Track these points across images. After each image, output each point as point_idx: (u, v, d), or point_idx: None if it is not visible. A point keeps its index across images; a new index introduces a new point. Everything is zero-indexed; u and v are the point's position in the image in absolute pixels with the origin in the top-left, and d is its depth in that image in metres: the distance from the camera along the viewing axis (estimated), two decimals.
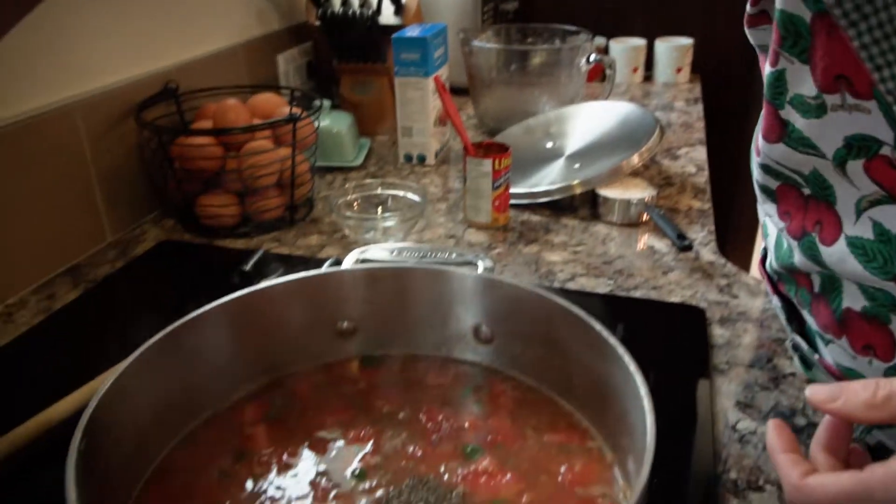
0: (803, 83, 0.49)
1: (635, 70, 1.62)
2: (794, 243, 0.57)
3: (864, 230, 0.50)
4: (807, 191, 0.55)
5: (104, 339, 0.73)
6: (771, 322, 0.74)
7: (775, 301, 0.68)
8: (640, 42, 1.61)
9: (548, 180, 1.01)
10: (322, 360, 0.57)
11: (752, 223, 1.74)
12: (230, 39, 1.18)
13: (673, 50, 1.58)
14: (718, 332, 0.72)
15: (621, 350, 0.43)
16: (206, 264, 0.89)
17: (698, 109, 1.46)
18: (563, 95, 1.26)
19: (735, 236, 1.88)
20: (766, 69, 0.53)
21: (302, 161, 0.96)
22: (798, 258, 0.57)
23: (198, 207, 0.93)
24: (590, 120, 1.12)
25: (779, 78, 0.51)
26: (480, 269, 0.55)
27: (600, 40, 1.64)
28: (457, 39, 1.35)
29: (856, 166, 0.49)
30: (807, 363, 0.64)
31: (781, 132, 0.52)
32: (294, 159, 0.93)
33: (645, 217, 0.95)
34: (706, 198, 1.03)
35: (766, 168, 0.56)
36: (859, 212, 0.51)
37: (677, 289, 0.80)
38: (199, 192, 0.93)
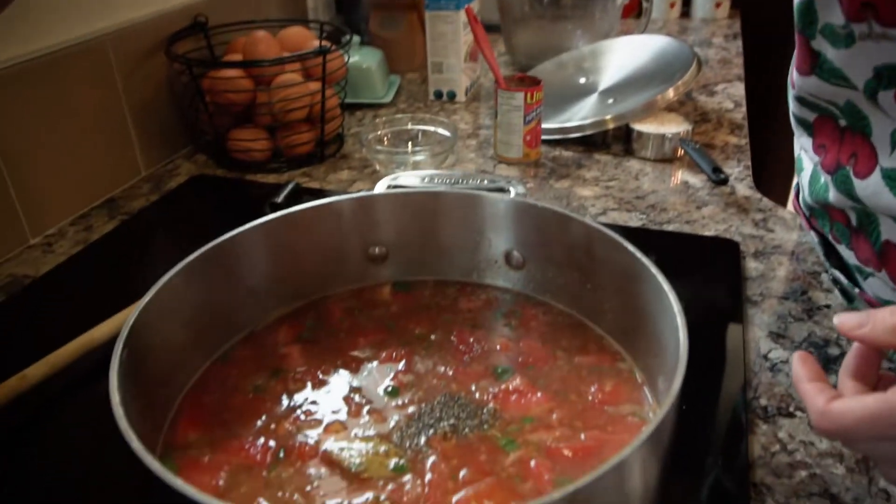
0: (832, 12, 0.48)
1: (672, 5, 1.57)
2: (829, 178, 0.56)
3: None
4: (843, 122, 0.53)
5: (140, 268, 0.75)
6: (807, 255, 0.73)
7: (812, 236, 0.67)
8: None
9: (580, 115, 0.99)
10: (354, 285, 0.58)
11: (790, 160, 1.69)
12: None
13: None
14: (752, 266, 0.71)
15: (654, 269, 0.43)
16: (238, 198, 0.90)
17: (737, 45, 1.41)
18: (597, 30, 1.23)
19: (772, 172, 1.83)
20: (796, 4, 0.51)
21: (332, 95, 0.96)
22: (832, 194, 0.56)
23: (229, 142, 0.93)
24: (624, 55, 1.10)
25: (808, 7, 0.50)
26: (512, 195, 0.55)
27: None
28: None
29: (887, 97, 0.47)
30: (848, 296, 0.64)
31: (813, 63, 0.51)
32: (324, 93, 0.92)
33: (679, 152, 0.93)
34: (743, 133, 1.01)
35: (801, 100, 0.55)
36: (895, 143, 0.49)
37: (711, 223, 0.79)
38: (231, 126, 0.94)
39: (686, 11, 1.61)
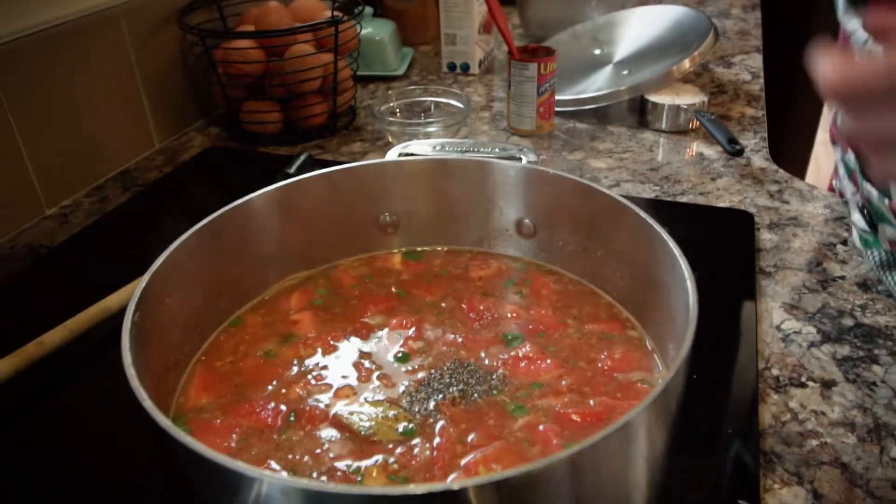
0: None
1: None
2: (877, 50, 0.55)
3: None
4: None
5: (154, 239, 0.75)
6: (822, 227, 0.72)
7: (850, 155, 0.65)
8: None
9: (594, 87, 0.98)
10: (365, 253, 0.58)
11: (809, 132, 1.67)
12: None
13: None
14: (767, 237, 0.71)
15: (665, 234, 0.43)
16: (251, 169, 0.90)
17: (756, 16, 1.39)
18: (612, 0, 1.21)
19: (791, 144, 1.81)
20: None
21: (344, 67, 0.95)
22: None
23: (242, 114, 0.93)
24: (640, 26, 1.08)
25: None
26: (524, 163, 0.54)
27: None
28: None
29: None
30: (877, 215, 0.63)
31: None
32: (336, 64, 0.92)
33: (695, 123, 0.92)
34: (760, 105, 0.99)
35: None
36: None
37: (725, 195, 0.78)
38: (243, 98, 0.93)
39: None
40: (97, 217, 0.79)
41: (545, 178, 0.51)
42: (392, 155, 0.56)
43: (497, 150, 0.56)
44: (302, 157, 0.82)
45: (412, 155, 0.56)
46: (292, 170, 0.79)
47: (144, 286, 0.41)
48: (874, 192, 0.60)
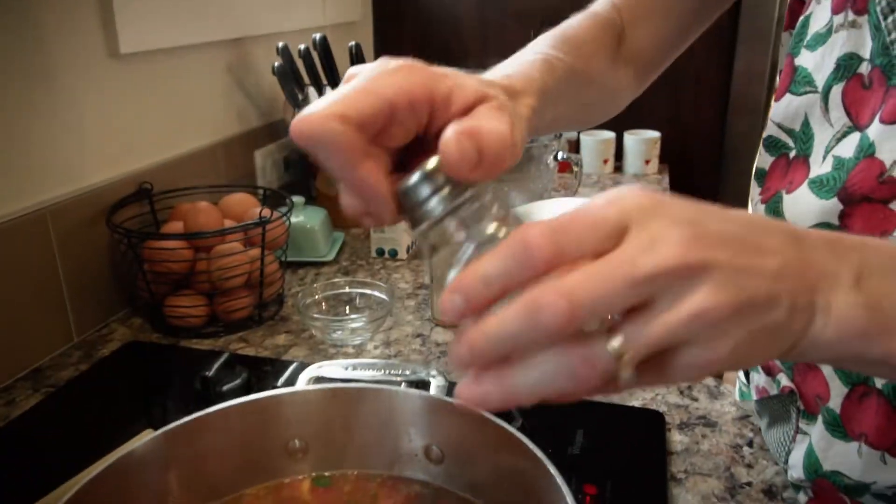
0: (820, 20, 0.57)
1: (606, 161, 1.67)
2: (762, 209, 0.63)
3: (826, 167, 0.56)
4: (792, 153, 0.61)
5: (65, 447, 0.72)
6: (730, 426, 0.74)
7: None
8: (609, 135, 1.66)
9: None
10: (273, 481, 0.57)
11: None
12: (210, 138, 1.22)
13: (641, 142, 1.64)
14: (678, 438, 0.73)
15: (560, 480, 0.44)
16: (172, 366, 0.89)
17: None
18: (532, 190, 1.30)
19: None
20: (796, 27, 0.61)
21: (272, 261, 0.98)
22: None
23: (166, 308, 0.94)
24: (555, 215, 1.15)
25: (804, 24, 0.59)
26: (433, 389, 0.56)
27: (571, 134, 1.69)
28: None
29: (836, 93, 0.55)
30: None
31: (790, 80, 0.60)
32: (263, 260, 0.94)
33: None
34: None
35: (767, 142, 0.64)
36: (826, 152, 0.57)
37: (638, 391, 0.81)
38: (169, 292, 0.94)
39: (619, 166, 1.71)
40: (2, 424, 0.76)
41: (448, 409, 0.53)
42: (303, 380, 0.57)
43: (408, 372, 0.58)
44: (223, 357, 0.82)
45: (324, 379, 0.57)
46: (211, 373, 0.79)
47: None
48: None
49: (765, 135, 0.64)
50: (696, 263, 0.29)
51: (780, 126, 0.62)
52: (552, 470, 0.45)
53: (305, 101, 1.30)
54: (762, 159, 0.65)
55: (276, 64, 1.23)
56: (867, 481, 0.55)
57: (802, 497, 0.64)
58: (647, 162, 1.65)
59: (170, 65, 1.11)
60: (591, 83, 0.64)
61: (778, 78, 0.64)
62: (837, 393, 0.57)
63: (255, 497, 0.55)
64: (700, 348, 0.30)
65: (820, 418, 0.59)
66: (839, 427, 0.57)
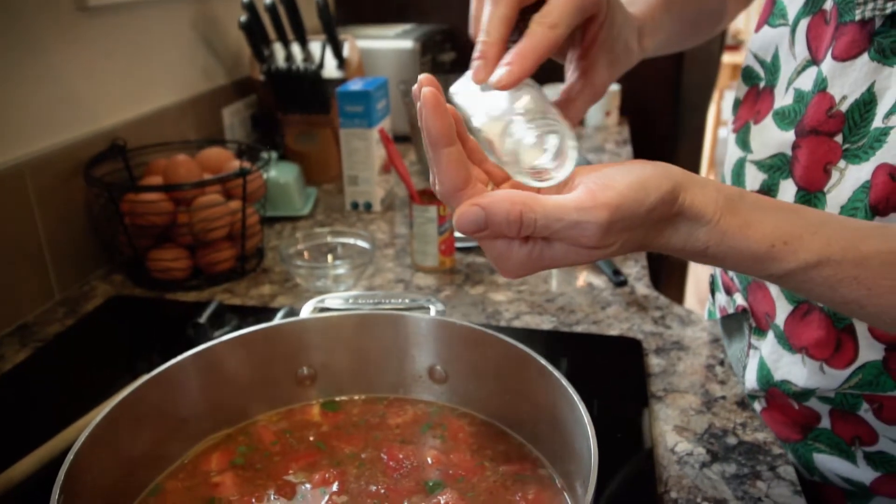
0: None
1: None
2: (733, 138, 0.68)
3: (787, 99, 0.61)
4: (762, 84, 0.66)
5: (58, 400, 0.73)
6: (702, 349, 0.80)
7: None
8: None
9: None
10: (284, 407, 0.59)
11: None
12: (177, 95, 1.21)
13: None
14: (655, 362, 0.78)
15: (565, 382, 0.47)
16: (158, 318, 0.90)
17: (628, 150, 1.54)
18: None
19: (668, 270, 1.97)
20: None
21: (252, 213, 0.99)
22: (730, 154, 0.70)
23: (149, 262, 0.94)
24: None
25: None
26: (433, 313, 0.59)
27: None
28: (398, 90, 1.40)
29: (803, 26, 0.59)
30: (714, 285, 0.84)
31: (769, 13, 0.64)
32: (244, 212, 0.95)
33: None
34: None
35: (744, 73, 0.68)
36: (789, 84, 0.61)
37: (615, 322, 0.85)
38: (150, 246, 0.95)
39: (580, 120, 1.74)
40: None
41: (451, 329, 0.56)
42: (307, 310, 0.59)
43: (407, 300, 0.61)
44: (212, 306, 0.83)
45: (327, 309, 0.60)
46: (203, 319, 0.80)
47: (67, 468, 0.41)
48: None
49: (743, 65, 0.68)
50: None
51: (755, 56, 0.66)
52: (557, 374, 0.48)
53: (272, 57, 1.29)
54: (739, 90, 0.70)
55: (242, 18, 1.22)
56: (811, 387, 0.61)
57: (758, 406, 0.70)
58: (608, 114, 1.69)
59: (136, 18, 1.09)
60: None
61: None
62: (783, 310, 0.63)
63: (268, 421, 0.58)
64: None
65: (770, 333, 0.65)
66: (785, 341, 0.63)
